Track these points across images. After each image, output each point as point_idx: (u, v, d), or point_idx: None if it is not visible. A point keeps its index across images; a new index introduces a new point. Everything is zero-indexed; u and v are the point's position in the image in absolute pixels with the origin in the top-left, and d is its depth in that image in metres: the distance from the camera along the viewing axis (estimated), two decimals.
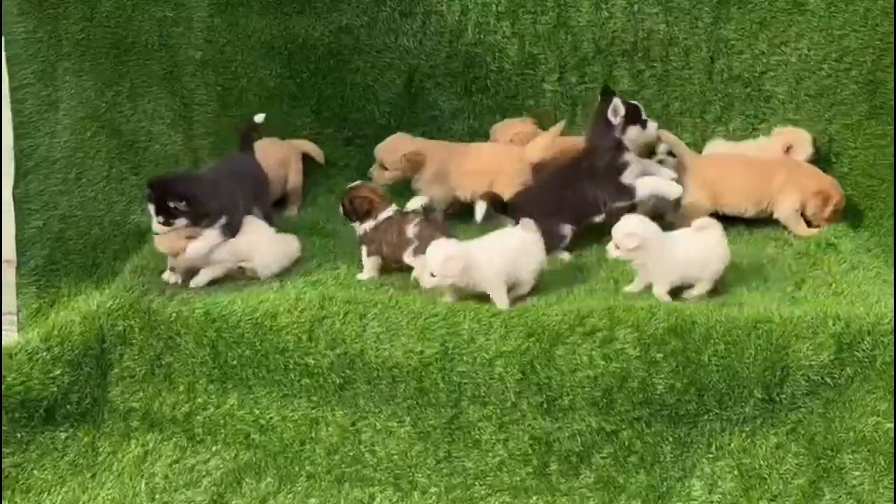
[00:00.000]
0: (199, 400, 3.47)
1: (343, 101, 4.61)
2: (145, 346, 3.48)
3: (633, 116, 3.87)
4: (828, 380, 3.26)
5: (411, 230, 3.60)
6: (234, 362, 3.45)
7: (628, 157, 3.88)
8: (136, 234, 4.08)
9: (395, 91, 4.58)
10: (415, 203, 3.72)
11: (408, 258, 3.56)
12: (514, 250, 3.49)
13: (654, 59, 4.41)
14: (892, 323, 3.29)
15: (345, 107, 4.61)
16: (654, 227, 3.52)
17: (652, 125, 3.92)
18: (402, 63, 4.55)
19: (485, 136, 4.47)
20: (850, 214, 4.11)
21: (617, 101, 3.83)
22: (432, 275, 3.39)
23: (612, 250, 3.51)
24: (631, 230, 3.45)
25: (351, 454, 3.39)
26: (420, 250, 3.50)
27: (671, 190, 3.91)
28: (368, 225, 3.70)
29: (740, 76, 4.38)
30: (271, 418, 3.44)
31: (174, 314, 3.47)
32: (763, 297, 3.51)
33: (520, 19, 4.43)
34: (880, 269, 3.72)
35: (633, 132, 3.88)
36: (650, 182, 3.90)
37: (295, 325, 3.40)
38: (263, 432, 3.43)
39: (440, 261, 3.37)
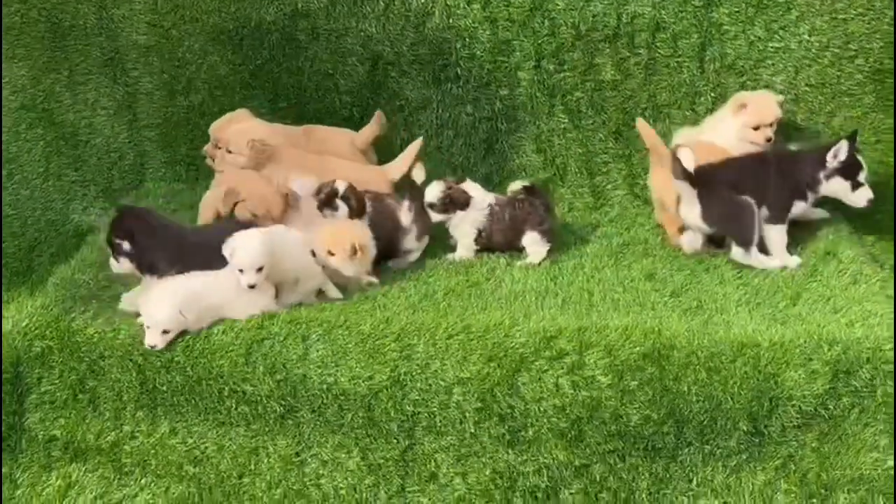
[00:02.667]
0: (127, 428, 3.33)
1: (301, 91, 4.41)
2: (66, 369, 3.31)
3: (847, 171, 3.68)
4: (822, 411, 3.15)
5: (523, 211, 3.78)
6: (164, 388, 3.28)
7: (812, 196, 3.75)
8: (75, 236, 4.01)
9: (357, 80, 4.38)
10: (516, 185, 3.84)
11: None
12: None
13: (639, 45, 4.23)
14: (894, 350, 3.13)
15: (303, 96, 4.41)
16: None
17: (861, 194, 3.70)
18: (364, 49, 4.35)
19: (454, 127, 4.36)
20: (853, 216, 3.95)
21: (844, 145, 3.64)
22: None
23: None
24: None
25: (294, 488, 3.28)
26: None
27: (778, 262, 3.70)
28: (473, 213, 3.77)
29: (734, 65, 4.21)
30: (206, 448, 3.31)
31: (97, 335, 3.28)
32: (752, 315, 3.35)
33: (492, 2, 4.24)
34: (885, 281, 3.53)
35: (837, 185, 3.70)
36: (782, 235, 3.72)
37: (230, 348, 3.23)
38: (198, 464, 3.31)
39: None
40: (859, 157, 3.67)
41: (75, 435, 3.33)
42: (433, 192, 3.74)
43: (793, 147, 3.90)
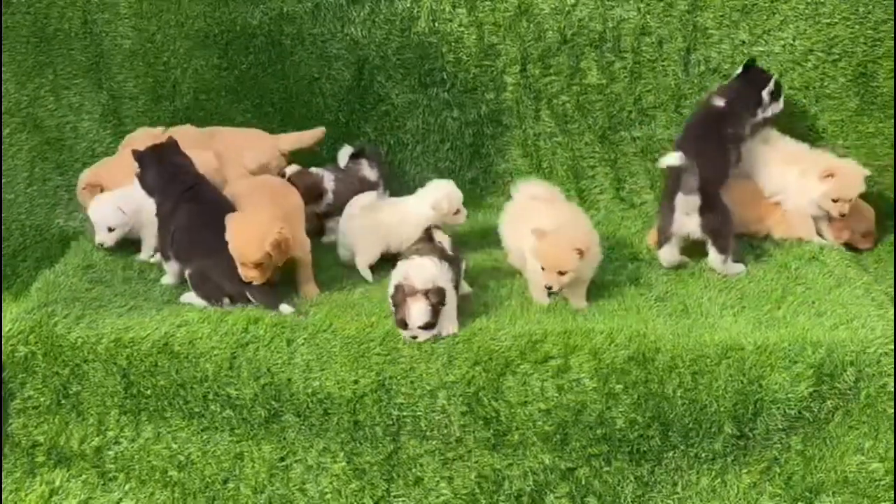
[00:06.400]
0: (111, 433, 3.31)
1: (286, 95, 4.38)
2: (50, 374, 3.28)
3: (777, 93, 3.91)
4: (806, 414, 3.15)
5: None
6: (149, 392, 3.26)
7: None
8: (59, 241, 4.00)
9: (342, 84, 4.35)
10: None
11: None
12: None
13: (624, 49, 4.22)
14: (878, 352, 3.13)
15: (288, 101, 4.38)
16: None
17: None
18: (350, 54, 4.32)
19: (440, 132, 4.34)
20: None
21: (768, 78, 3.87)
22: None
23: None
24: None
25: (279, 493, 3.26)
26: None
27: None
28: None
29: (719, 68, 4.20)
30: (191, 453, 3.28)
31: (80, 339, 3.26)
32: (737, 318, 3.35)
33: (478, 6, 4.22)
34: (869, 285, 3.52)
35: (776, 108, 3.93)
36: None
37: (215, 352, 3.21)
38: (182, 469, 3.29)
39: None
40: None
41: (59, 440, 3.31)
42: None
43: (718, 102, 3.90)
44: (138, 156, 3.55)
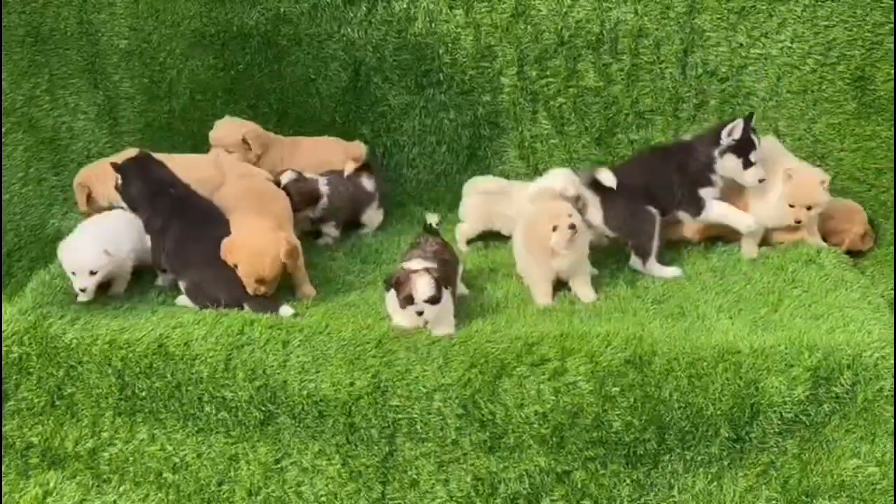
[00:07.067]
0: (105, 435, 3.30)
1: (282, 96, 4.40)
2: (44, 375, 3.28)
3: (740, 149, 3.66)
4: (803, 418, 3.13)
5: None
6: (144, 394, 3.25)
7: (716, 178, 3.72)
8: (54, 241, 3.86)
9: (339, 85, 4.37)
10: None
11: None
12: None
13: (621, 51, 4.24)
14: (875, 355, 3.12)
15: (284, 102, 4.40)
16: None
17: (752, 173, 3.67)
18: (346, 55, 4.34)
19: (437, 133, 4.34)
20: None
21: (740, 124, 3.65)
22: None
23: None
24: None
25: (275, 495, 3.24)
26: None
27: (742, 222, 3.70)
28: None
29: (716, 71, 4.23)
30: (185, 455, 3.27)
31: (75, 340, 3.25)
32: (733, 321, 3.35)
33: (475, 7, 4.24)
34: (866, 288, 3.53)
35: (730, 163, 3.68)
36: (723, 207, 3.72)
37: (210, 354, 3.20)
38: (177, 471, 3.27)
39: None
40: (754, 137, 3.64)
41: (53, 442, 3.30)
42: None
43: (687, 137, 3.91)
44: (120, 168, 3.52)
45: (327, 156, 4.05)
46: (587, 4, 4.17)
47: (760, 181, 3.65)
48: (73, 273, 3.31)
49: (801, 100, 4.14)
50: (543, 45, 4.22)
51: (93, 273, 3.31)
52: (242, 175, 3.80)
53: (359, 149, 4.10)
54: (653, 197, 3.71)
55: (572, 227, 3.36)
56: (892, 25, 3.96)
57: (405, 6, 4.22)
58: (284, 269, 3.40)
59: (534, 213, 3.47)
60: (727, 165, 3.67)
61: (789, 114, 4.14)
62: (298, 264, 3.49)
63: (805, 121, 4.14)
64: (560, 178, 3.60)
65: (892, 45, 3.96)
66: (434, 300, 3.17)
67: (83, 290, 3.31)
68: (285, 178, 3.83)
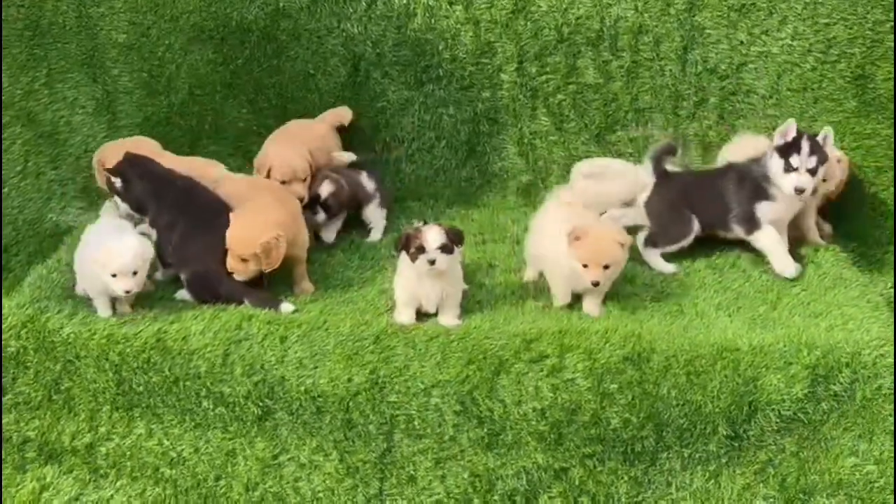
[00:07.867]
0: (103, 429, 3.28)
1: (281, 91, 4.36)
2: (41, 369, 3.26)
3: (785, 150, 3.57)
4: (801, 416, 3.14)
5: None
6: (141, 389, 3.24)
7: (774, 191, 3.64)
8: (52, 236, 3.95)
9: (338, 80, 4.34)
10: None
11: None
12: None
13: (621, 48, 4.21)
14: (873, 354, 3.12)
15: (283, 97, 4.36)
16: None
17: (790, 180, 3.57)
18: (345, 50, 4.30)
19: (436, 129, 4.33)
20: (834, 222, 3.99)
21: (792, 124, 3.61)
22: None
23: None
24: None
25: (272, 491, 3.23)
26: None
27: (784, 269, 3.61)
28: None
29: (716, 68, 4.19)
30: (183, 450, 3.26)
31: (73, 335, 3.23)
32: (732, 319, 3.35)
33: (474, 3, 4.21)
34: (865, 286, 3.53)
35: (775, 164, 3.60)
36: (773, 239, 3.64)
37: (207, 349, 3.19)
38: (174, 466, 3.26)
39: None
40: (805, 145, 3.54)
41: (50, 436, 3.28)
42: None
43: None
44: (119, 169, 3.50)
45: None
46: (587, 1, 4.14)
47: (798, 191, 3.55)
48: (114, 275, 3.19)
49: (801, 98, 4.12)
50: (543, 41, 4.20)
51: (135, 273, 3.23)
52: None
53: (344, 111, 4.15)
54: (700, 210, 3.71)
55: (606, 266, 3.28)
56: (893, 23, 3.94)
57: (405, 2, 4.19)
58: (267, 267, 3.37)
59: (596, 226, 3.39)
60: (772, 167, 3.59)
61: (789, 112, 4.10)
62: (300, 259, 3.50)
63: (805, 119, 4.10)
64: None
65: (892, 44, 3.95)
66: (446, 248, 3.16)
67: (128, 292, 3.21)
68: (324, 192, 3.83)
